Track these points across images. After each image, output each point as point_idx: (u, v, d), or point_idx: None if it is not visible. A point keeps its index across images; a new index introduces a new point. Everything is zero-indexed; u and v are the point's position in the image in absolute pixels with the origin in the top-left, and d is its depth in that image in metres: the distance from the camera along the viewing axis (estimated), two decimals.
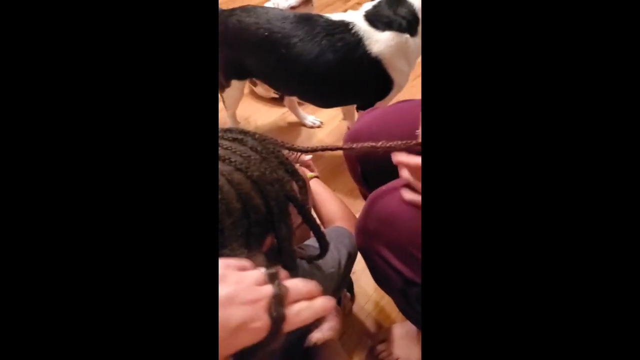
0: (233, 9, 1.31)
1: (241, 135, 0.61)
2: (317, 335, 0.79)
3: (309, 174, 0.95)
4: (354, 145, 0.73)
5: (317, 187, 1.00)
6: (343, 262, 0.79)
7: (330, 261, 0.75)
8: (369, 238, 0.79)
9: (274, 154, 0.61)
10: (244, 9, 1.30)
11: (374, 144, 0.70)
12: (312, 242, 0.78)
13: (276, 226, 0.59)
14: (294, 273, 0.67)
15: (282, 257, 0.63)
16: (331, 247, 0.74)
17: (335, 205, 0.97)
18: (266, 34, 1.22)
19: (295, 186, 0.63)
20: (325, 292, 0.68)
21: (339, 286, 0.82)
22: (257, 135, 0.62)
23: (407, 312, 0.88)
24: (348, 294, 1.13)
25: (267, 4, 1.64)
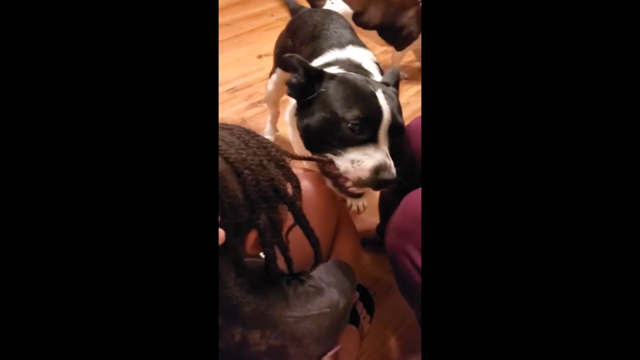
0: (311, 8, 1.39)
1: (232, 126, 0.62)
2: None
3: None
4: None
5: (343, 212, 0.96)
6: (342, 305, 0.70)
7: (327, 300, 0.68)
8: (400, 237, 0.77)
9: (265, 149, 0.60)
10: (322, 9, 1.36)
11: None
12: (321, 273, 0.73)
13: (255, 216, 0.56)
14: (271, 290, 0.63)
15: (265, 254, 0.60)
16: (332, 286, 0.70)
17: (353, 237, 0.93)
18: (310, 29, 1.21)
19: (289, 187, 0.61)
20: (307, 334, 0.64)
21: (333, 331, 0.72)
22: (251, 132, 0.61)
23: None
24: (368, 316, 1.08)
25: None
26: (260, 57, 2.22)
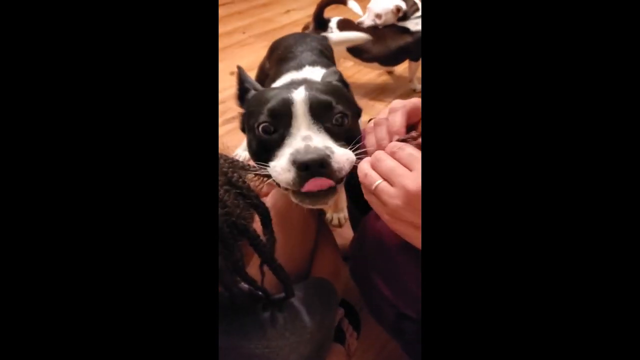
0: (292, 33, 1.42)
1: None
2: None
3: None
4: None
5: (322, 226, 0.93)
6: (324, 326, 0.66)
7: (307, 326, 0.63)
8: (361, 265, 0.72)
9: (225, 175, 0.52)
10: (299, 33, 1.42)
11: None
12: (300, 293, 0.67)
13: None
14: (246, 320, 0.59)
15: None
16: (312, 307, 0.65)
17: (332, 252, 0.89)
18: (280, 52, 1.23)
19: (254, 218, 0.55)
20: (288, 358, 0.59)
21: (316, 355, 0.67)
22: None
23: (408, 351, 0.80)
24: (354, 333, 1.04)
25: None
26: (232, 74, 2.18)
